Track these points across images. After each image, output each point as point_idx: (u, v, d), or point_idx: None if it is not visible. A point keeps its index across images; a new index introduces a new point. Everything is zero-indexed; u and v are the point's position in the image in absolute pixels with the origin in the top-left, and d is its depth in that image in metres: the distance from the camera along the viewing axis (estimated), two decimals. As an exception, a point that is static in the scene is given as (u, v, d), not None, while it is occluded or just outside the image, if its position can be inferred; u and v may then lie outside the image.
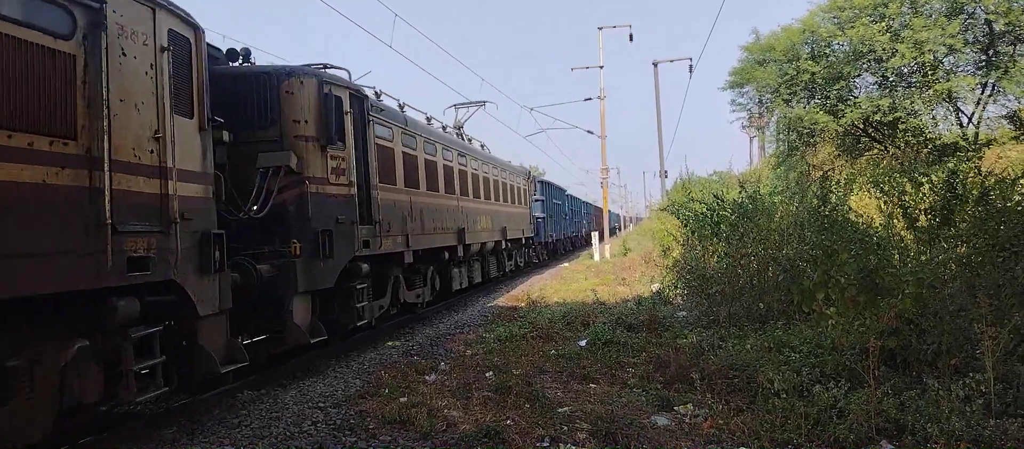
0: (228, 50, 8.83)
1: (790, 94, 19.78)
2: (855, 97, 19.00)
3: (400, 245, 11.14)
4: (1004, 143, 17.64)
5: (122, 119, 5.09)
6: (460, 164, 15.51)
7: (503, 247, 19.69)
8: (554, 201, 32.55)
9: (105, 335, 5.14)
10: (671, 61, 33.49)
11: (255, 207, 7.81)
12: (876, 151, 19.91)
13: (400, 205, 11.23)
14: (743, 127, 36.17)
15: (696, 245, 13.56)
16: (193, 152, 6.09)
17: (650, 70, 34.41)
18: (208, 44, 7.75)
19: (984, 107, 18.45)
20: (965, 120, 18.82)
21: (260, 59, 9.33)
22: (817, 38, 19.37)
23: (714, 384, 6.53)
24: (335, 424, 6.14)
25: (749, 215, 11.12)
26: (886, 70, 18.23)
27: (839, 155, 21.63)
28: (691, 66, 31.21)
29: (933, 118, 18.60)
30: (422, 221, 12.29)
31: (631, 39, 30.17)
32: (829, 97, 19.02)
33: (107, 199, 4.82)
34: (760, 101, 23.16)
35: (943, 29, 16.36)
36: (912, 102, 17.72)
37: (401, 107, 12.36)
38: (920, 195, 7.97)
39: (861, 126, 20.16)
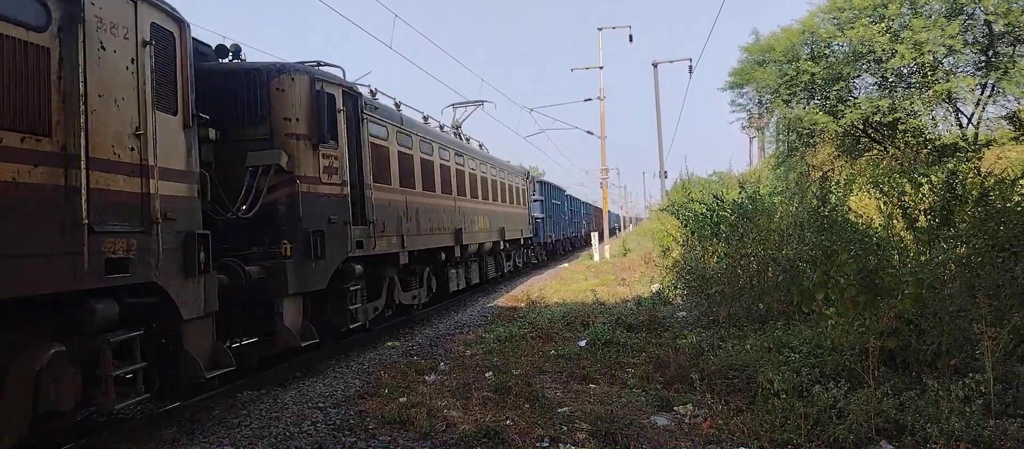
0: (218, 46, 8.68)
1: (790, 95, 19.70)
2: (855, 98, 18.92)
3: (395, 246, 10.98)
4: (1004, 144, 17.60)
5: (101, 115, 4.94)
6: (457, 164, 15.35)
7: (501, 248, 19.53)
8: (553, 201, 32.45)
9: (82, 339, 4.99)
10: (671, 62, 33.71)
11: (244, 207, 7.67)
12: (876, 152, 19.83)
13: (395, 205, 11.08)
14: (743, 128, 36.17)
15: (696, 245, 13.49)
16: (177, 150, 5.94)
17: (650, 71, 34.42)
18: (197, 40, 7.64)
19: (984, 108, 18.38)
20: (965, 121, 18.76)
21: (260, 59, 9.18)
22: (817, 39, 19.30)
23: (714, 384, 6.51)
24: (335, 424, 6.11)
25: (749, 215, 11.10)
26: (886, 71, 18.15)
27: (839, 156, 21.57)
28: (691, 67, 31.33)
29: (933, 119, 18.56)
30: (418, 221, 12.12)
31: (631, 40, 30.26)
32: (829, 98, 18.95)
33: (83, 198, 4.66)
34: (760, 102, 23.07)
35: (943, 30, 16.30)
36: (912, 103, 17.64)
37: (397, 106, 12.21)
38: (920, 196, 7.96)
39: (861, 127, 20.09)
